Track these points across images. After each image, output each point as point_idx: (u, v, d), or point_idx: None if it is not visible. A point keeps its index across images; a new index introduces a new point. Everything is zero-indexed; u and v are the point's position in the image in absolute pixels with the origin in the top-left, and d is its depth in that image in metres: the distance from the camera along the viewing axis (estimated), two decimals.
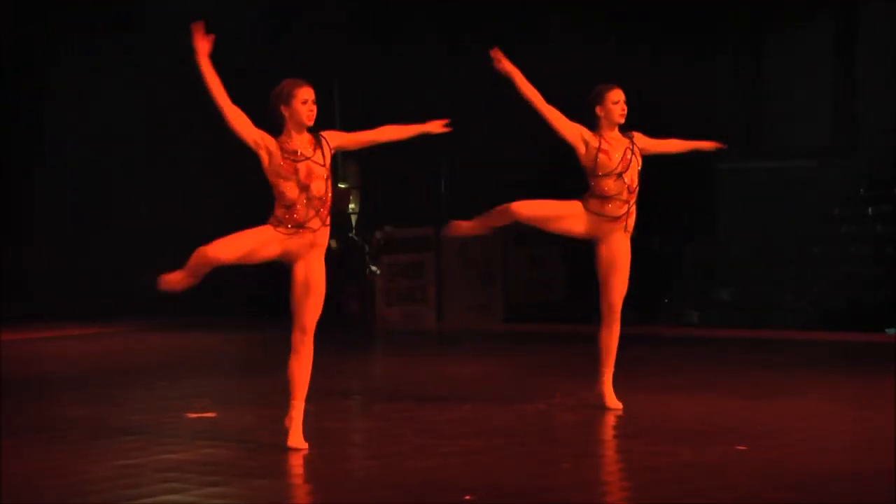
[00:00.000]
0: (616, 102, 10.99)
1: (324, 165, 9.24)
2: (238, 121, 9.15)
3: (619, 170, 11.05)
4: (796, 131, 21.69)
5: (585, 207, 11.03)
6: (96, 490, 8.15)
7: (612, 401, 11.01)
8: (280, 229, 9.19)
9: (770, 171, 20.89)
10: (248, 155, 9.61)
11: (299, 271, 9.33)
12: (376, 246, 18.70)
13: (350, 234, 19.29)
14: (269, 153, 9.16)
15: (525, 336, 17.58)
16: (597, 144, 11.01)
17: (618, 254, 11.05)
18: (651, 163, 20.39)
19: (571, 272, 19.61)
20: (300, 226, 9.18)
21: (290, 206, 9.13)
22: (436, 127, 10.14)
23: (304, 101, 9.13)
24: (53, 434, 10.50)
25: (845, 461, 9.11)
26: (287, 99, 9.13)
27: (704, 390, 12.55)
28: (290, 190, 9.12)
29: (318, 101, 9.31)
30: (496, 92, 20.62)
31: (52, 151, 19.37)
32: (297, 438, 9.27)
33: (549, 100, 20.59)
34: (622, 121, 11.06)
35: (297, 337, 9.44)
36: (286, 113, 9.14)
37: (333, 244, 19.48)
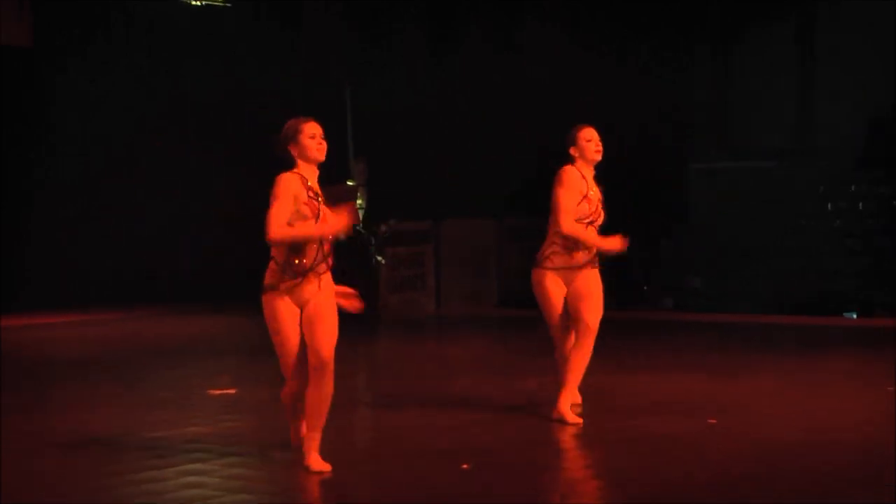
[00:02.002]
0: (589, 140, 9.87)
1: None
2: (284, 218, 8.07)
3: (592, 218, 9.94)
4: (762, 134, 21.73)
5: (551, 274, 9.96)
6: (126, 459, 8.17)
7: (572, 417, 9.59)
8: (285, 284, 8.17)
9: (738, 170, 20.92)
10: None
11: (307, 310, 8.35)
12: (381, 238, 18.71)
13: (357, 228, 19.28)
14: (296, 196, 8.09)
15: (515, 320, 17.58)
16: (585, 192, 9.85)
17: (590, 286, 9.90)
18: (631, 161, 20.51)
19: None
20: (307, 272, 8.18)
21: (300, 251, 8.13)
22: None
23: (312, 136, 8.19)
24: (88, 408, 10.54)
25: (801, 432, 9.13)
26: (294, 136, 8.19)
27: (678, 369, 12.56)
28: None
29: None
30: (491, 95, 20.74)
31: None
32: (318, 462, 8.01)
33: (525, 104, 20.67)
34: (599, 158, 9.91)
35: (315, 371, 8.27)
36: (295, 152, 8.19)
37: (343, 236, 19.54)
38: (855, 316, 17.75)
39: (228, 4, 20.67)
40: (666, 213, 20.50)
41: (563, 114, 20.25)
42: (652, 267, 19.90)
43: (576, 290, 9.85)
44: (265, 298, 8.22)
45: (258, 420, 9.83)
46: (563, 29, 21.18)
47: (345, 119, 20.79)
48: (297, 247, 8.13)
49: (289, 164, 8.19)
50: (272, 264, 8.18)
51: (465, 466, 7.93)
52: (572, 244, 9.83)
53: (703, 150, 21.71)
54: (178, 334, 16.03)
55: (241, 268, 18.79)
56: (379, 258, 18.58)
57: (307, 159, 8.20)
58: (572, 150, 9.83)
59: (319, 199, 8.19)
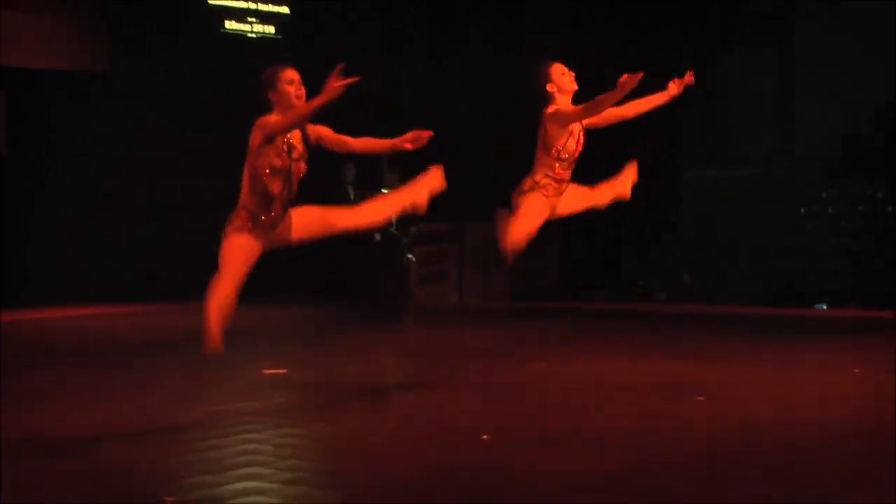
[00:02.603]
0: (563, 74, 9.38)
1: (306, 164, 7.75)
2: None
3: (578, 150, 9.72)
4: (745, 145, 21.69)
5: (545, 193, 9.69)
6: (190, 431, 8.24)
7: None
8: (255, 230, 7.61)
9: (723, 178, 20.90)
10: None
11: (300, 233, 7.94)
12: (411, 238, 18.77)
13: (391, 229, 19.34)
14: (265, 137, 7.48)
15: (527, 311, 17.62)
16: (570, 129, 9.52)
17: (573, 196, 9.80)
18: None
19: (562, 264, 19.67)
20: (274, 225, 7.67)
21: (269, 202, 7.53)
22: (408, 142, 8.64)
23: (291, 82, 7.55)
24: (153, 388, 10.62)
25: (779, 409, 9.15)
26: (273, 83, 7.52)
27: (669, 355, 12.56)
28: (274, 185, 7.56)
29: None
30: (505, 102, 20.61)
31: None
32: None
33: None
34: (575, 86, 9.45)
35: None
36: (274, 98, 7.56)
37: (378, 237, 19.62)
38: (825, 307, 17.77)
39: (280, 37, 20.72)
40: (659, 216, 20.50)
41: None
42: (646, 264, 19.91)
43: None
44: (232, 236, 7.59)
45: (305, 397, 9.90)
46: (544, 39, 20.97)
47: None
48: (264, 201, 7.51)
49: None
50: (242, 212, 7.60)
51: (485, 437, 8.00)
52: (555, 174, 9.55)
53: (692, 159, 21.66)
54: (236, 321, 16.09)
55: (280, 261, 18.99)
56: (409, 255, 18.67)
57: (285, 107, 7.54)
58: (549, 87, 9.36)
59: (292, 152, 7.54)
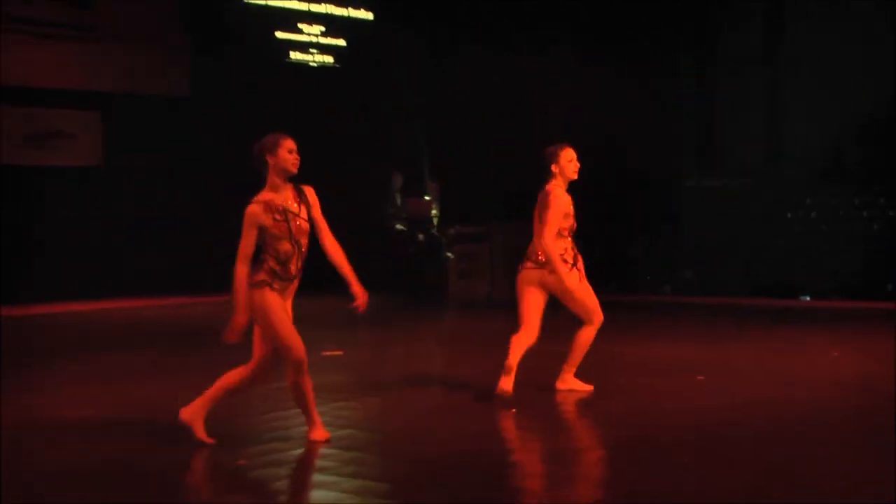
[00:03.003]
0: (570, 161, 8.83)
1: (307, 221, 7.29)
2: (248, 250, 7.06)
3: (573, 229, 9.10)
4: (737, 158, 21.67)
5: (530, 274, 9.36)
6: (259, 404, 8.25)
7: (583, 385, 9.06)
8: (276, 284, 7.13)
9: (720, 187, 20.85)
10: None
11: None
12: (450, 239, 18.79)
13: (432, 231, 19.38)
14: (264, 223, 7.06)
15: (555, 303, 17.59)
16: (568, 209, 8.90)
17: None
18: (637, 180, 20.47)
19: (587, 256, 19.60)
20: (293, 278, 7.23)
21: (285, 262, 7.13)
22: (356, 297, 7.67)
23: (290, 151, 7.22)
24: (226, 368, 10.66)
25: (768, 386, 9.14)
26: (272, 148, 7.15)
27: (672, 339, 12.56)
28: (284, 246, 7.13)
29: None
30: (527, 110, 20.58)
31: None
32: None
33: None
34: (575, 177, 8.91)
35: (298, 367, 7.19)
36: (271, 161, 7.16)
37: (421, 237, 19.66)
38: (809, 298, 17.71)
39: (337, 66, 20.77)
40: (664, 219, 20.47)
41: (584, 132, 20.19)
42: (652, 261, 19.89)
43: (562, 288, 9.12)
44: (259, 293, 7.08)
45: (358, 376, 9.93)
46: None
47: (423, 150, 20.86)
48: (281, 258, 7.13)
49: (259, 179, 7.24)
50: (266, 265, 7.12)
51: (513, 410, 8.02)
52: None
53: (692, 171, 21.64)
54: (296, 309, 16.14)
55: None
56: (448, 254, 18.69)
57: (281, 172, 7.15)
58: (553, 168, 8.83)
59: (288, 215, 7.11)
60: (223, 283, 16.21)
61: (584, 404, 8.53)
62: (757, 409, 8.29)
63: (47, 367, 10.77)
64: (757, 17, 21.43)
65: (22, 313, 15.48)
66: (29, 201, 17.18)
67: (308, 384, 7.09)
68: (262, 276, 7.08)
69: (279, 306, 7.10)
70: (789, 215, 19.56)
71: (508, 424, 7.86)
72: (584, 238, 19.56)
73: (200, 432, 7.02)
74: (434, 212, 19.68)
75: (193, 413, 7.10)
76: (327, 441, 7.00)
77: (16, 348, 12.28)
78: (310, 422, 7.13)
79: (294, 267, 7.19)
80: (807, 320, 14.89)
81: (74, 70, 17.98)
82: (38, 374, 10.30)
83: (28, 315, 15.37)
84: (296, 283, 7.28)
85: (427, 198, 19.69)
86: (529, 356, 8.76)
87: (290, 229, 7.10)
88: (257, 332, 7.22)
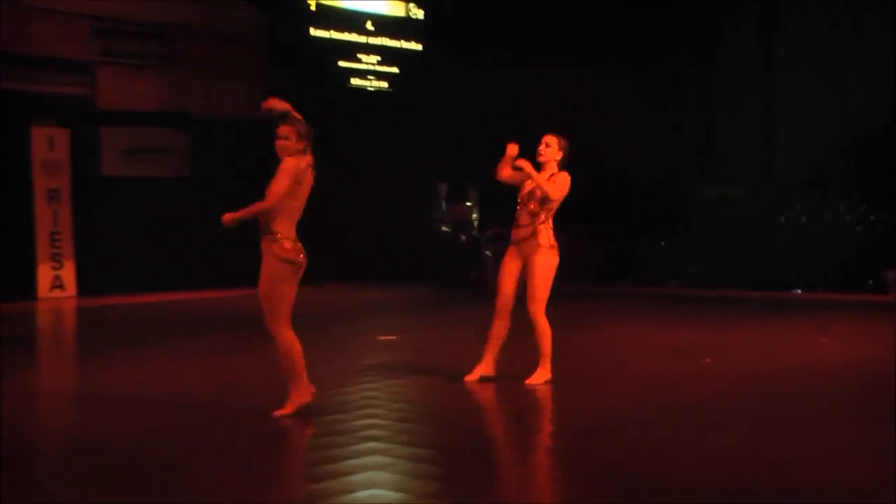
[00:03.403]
0: (547, 145, 8.48)
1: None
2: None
3: (525, 201, 8.46)
4: (736, 169, 21.63)
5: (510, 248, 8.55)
6: (325, 382, 8.26)
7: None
8: (298, 258, 6.94)
9: (721, 195, 20.78)
10: None
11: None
12: (488, 239, 18.78)
13: (473, 233, 19.39)
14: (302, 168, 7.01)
15: (575, 294, 17.56)
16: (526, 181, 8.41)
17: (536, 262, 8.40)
18: (650, 187, 20.42)
19: (601, 257, 19.60)
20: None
21: (294, 223, 6.95)
22: None
23: (277, 137, 7.16)
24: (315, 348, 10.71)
25: (766, 365, 9.13)
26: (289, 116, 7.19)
27: (680, 326, 12.53)
28: (301, 202, 7.03)
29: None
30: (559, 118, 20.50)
31: None
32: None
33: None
34: (541, 160, 8.44)
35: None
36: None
37: (463, 238, 19.65)
38: (800, 291, 17.62)
39: (391, 90, 20.83)
40: (673, 222, 20.42)
41: (605, 137, 20.07)
42: (663, 258, 19.84)
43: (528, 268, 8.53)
44: (287, 267, 6.87)
45: (411, 356, 9.95)
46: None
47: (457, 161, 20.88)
48: (295, 217, 6.98)
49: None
50: (290, 243, 6.92)
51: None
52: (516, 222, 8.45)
53: (696, 180, 21.59)
54: (355, 300, 16.24)
55: (395, 252, 19.11)
56: (487, 253, 18.68)
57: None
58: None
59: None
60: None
61: (601, 382, 8.52)
62: (757, 382, 8.33)
63: (156, 347, 10.84)
64: (751, 23, 21.44)
65: (129, 301, 15.65)
66: (126, 207, 17.35)
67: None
68: (292, 254, 6.93)
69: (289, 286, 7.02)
70: (783, 219, 19.45)
71: (544, 400, 7.85)
72: (601, 236, 19.61)
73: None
74: (474, 216, 19.68)
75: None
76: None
77: (127, 332, 12.42)
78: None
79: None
80: (798, 310, 14.81)
81: (164, 95, 18.14)
82: (148, 353, 10.36)
83: (136, 303, 15.50)
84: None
85: (468, 203, 19.70)
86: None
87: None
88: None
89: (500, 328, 8.47)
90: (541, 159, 8.44)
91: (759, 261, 18.82)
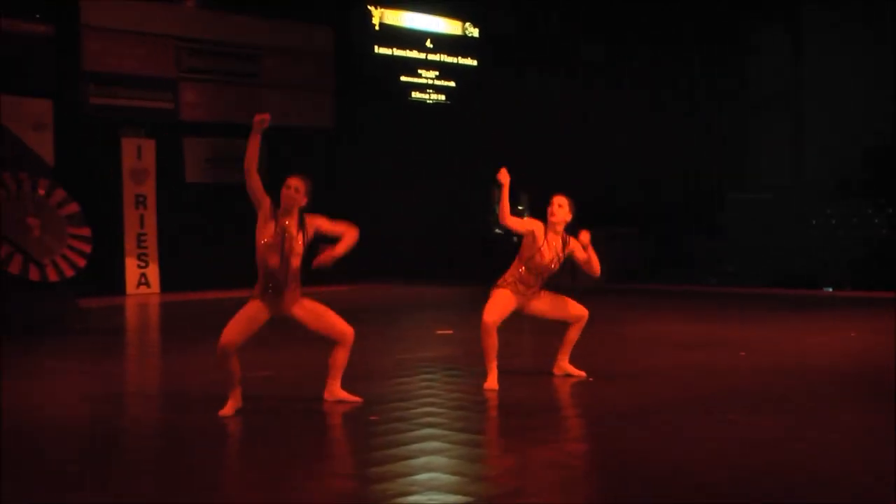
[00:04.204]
0: (560, 206, 7.94)
1: (301, 245, 6.65)
2: (255, 183, 6.66)
3: (541, 271, 7.92)
4: (767, 176, 21.52)
5: (512, 290, 7.95)
6: (387, 373, 8.28)
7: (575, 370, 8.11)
8: (265, 296, 6.62)
9: (753, 199, 20.65)
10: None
11: (298, 314, 6.77)
12: None
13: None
14: (263, 222, 6.61)
15: (619, 290, 17.47)
16: (540, 245, 7.87)
17: (545, 304, 8.11)
18: (689, 192, 20.29)
19: (643, 255, 19.46)
20: (279, 291, 6.62)
21: (271, 274, 6.59)
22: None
23: (288, 187, 6.64)
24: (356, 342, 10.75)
25: (797, 358, 9.01)
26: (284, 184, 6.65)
27: (717, 320, 12.42)
28: (272, 259, 6.58)
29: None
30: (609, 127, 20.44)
31: None
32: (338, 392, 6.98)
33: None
34: (553, 220, 7.89)
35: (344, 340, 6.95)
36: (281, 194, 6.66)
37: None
38: (831, 289, 17.38)
39: (449, 103, 20.88)
40: (711, 224, 20.30)
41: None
42: (701, 257, 19.72)
43: (540, 307, 8.09)
44: (251, 301, 6.65)
45: (466, 349, 9.91)
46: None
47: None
48: (266, 273, 6.59)
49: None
50: (259, 281, 6.66)
51: (590, 379, 7.96)
52: (523, 279, 7.94)
53: (733, 186, 21.45)
54: (415, 297, 16.26)
55: (449, 252, 19.09)
56: None
57: (282, 203, 6.63)
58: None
59: (285, 235, 6.56)
60: (350, 276, 15.94)
61: (640, 370, 8.45)
62: (784, 373, 8.21)
63: None
64: (781, 36, 21.36)
65: (209, 297, 15.79)
66: (206, 211, 17.51)
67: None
68: (256, 289, 6.65)
69: (252, 314, 6.61)
70: (814, 222, 19.27)
71: (585, 388, 7.80)
72: (642, 236, 19.54)
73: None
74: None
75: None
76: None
77: (209, 325, 12.53)
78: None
79: (281, 280, 6.61)
80: (830, 306, 14.61)
81: (244, 108, 18.28)
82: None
83: (214, 299, 15.65)
84: (291, 297, 6.71)
85: (520, 207, 19.65)
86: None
87: (283, 246, 6.57)
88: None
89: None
90: (553, 219, 7.90)
91: (792, 260, 18.65)
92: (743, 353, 9.37)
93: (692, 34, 20.95)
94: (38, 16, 15.10)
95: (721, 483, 5.09)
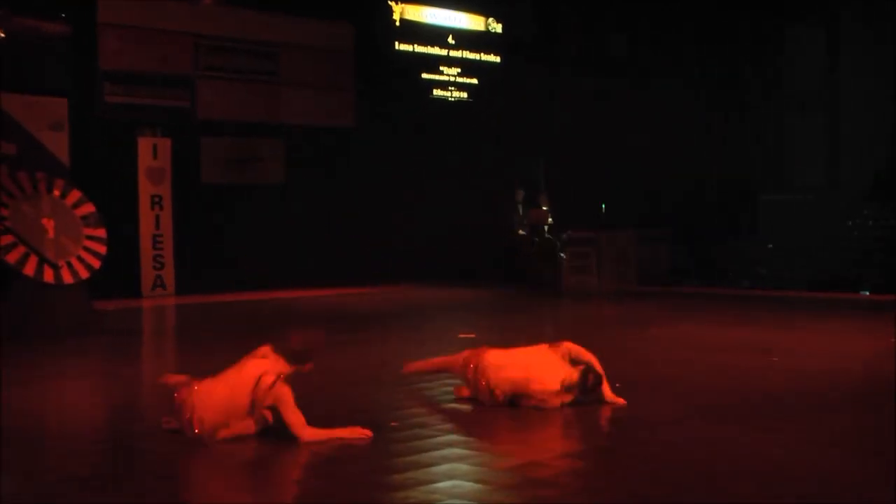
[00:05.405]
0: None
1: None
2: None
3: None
4: (802, 177, 21.47)
5: None
6: (408, 379, 8.28)
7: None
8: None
9: (788, 200, 20.57)
10: None
11: None
12: (563, 242, 18.69)
13: (547, 236, 19.30)
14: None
15: (647, 294, 17.41)
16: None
17: None
18: (722, 193, 20.25)
19: (673, 259, 19.43)
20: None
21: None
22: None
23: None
24: (379, 343, 10.75)
25: (827, 363, 8.95)
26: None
27: (749, 325, 12.35)
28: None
29: None
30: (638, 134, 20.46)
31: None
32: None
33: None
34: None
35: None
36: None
37: (537, 240, 19.57)
38: (868, 293, 17.25)
39: (471, 100, 20.90)
40: (744, 226, 20.26)
41: (675, 157, 20.01)
42: (732, 259, 19.66)
43: None
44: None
45: None
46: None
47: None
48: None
49: None
50: None
51: (617, 385, 7.91)
52: None
53: (767, 188, 21.39)
54: (438, 299, 16.24)
55: (475, 254, 19.09)
56: (562, 254, 18.60)
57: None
58: None
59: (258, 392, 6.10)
60: (372, 277, 16.20)
61: (668, 377, 8.41)
62: (817, 378, 8.16)
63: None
64: (817, 39, 21.39)
65: (227, 299, 15.83)
66: (223, 212, 17.57)
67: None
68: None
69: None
70: (850, 223, 19.17)
71: (619, 393, 7.76)
72: (675, 239, 19.56)
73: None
74: (550, 220, 19.63)
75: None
76: None
77: (229, 327, 12.55)
78: None
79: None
80: (867, 310, 14.49)
81: (262, 107, 18.34)
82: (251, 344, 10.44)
83: (234, 301, 15.70)
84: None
85: (545, 208, 19.64)
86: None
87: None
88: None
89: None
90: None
91: (827, 262, 18.53)
92: (775, 359, 9.31)
93: (727, 35, 20.95)
94: (62, 15, 15.17)
95: (746, 493, 5.06)
